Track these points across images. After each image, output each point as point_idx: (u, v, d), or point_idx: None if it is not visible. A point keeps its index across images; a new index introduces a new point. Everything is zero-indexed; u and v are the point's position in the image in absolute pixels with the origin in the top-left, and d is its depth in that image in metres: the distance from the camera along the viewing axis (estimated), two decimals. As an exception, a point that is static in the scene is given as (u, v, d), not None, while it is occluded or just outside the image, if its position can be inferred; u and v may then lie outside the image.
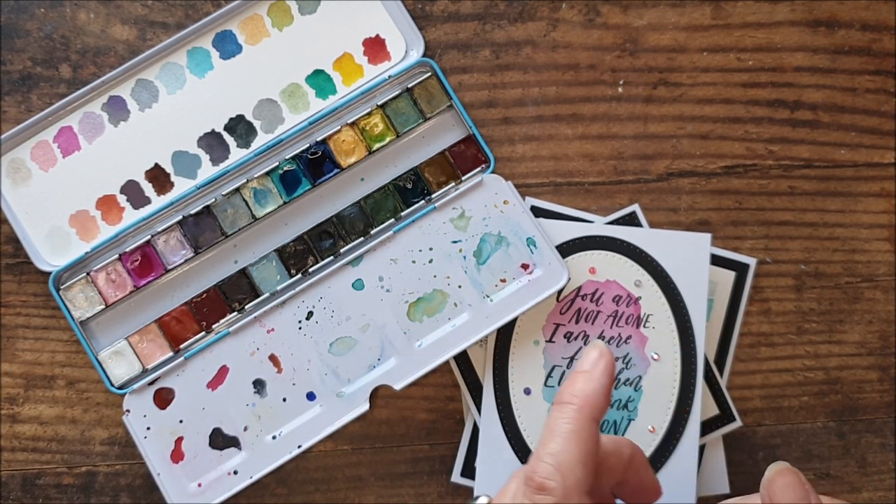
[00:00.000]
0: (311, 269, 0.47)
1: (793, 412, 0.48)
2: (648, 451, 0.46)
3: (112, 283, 0.46)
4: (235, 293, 0.47)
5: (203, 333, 0.47)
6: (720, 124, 0.48)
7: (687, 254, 0.46)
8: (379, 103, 0.47)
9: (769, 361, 0.48)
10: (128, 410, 0.46)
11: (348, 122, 0.47)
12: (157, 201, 0.47)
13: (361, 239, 0.47)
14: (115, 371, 0.46)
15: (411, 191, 0.47)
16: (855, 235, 0.48)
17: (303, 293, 0.46)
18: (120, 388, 0.46)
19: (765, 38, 0.48)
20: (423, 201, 0.47)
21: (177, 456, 0.46)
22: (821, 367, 0.48)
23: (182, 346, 0.46)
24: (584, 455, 0.31)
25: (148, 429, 0.46)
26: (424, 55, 0.47)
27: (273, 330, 0.46)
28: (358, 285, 0.46)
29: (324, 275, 0.46)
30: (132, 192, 0.47)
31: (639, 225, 0.48)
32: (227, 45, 0.47)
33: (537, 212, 0.48)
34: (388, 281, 0.46)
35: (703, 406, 0.46)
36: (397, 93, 0.47)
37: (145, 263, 0.46)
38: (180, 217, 0.47)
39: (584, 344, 0.46)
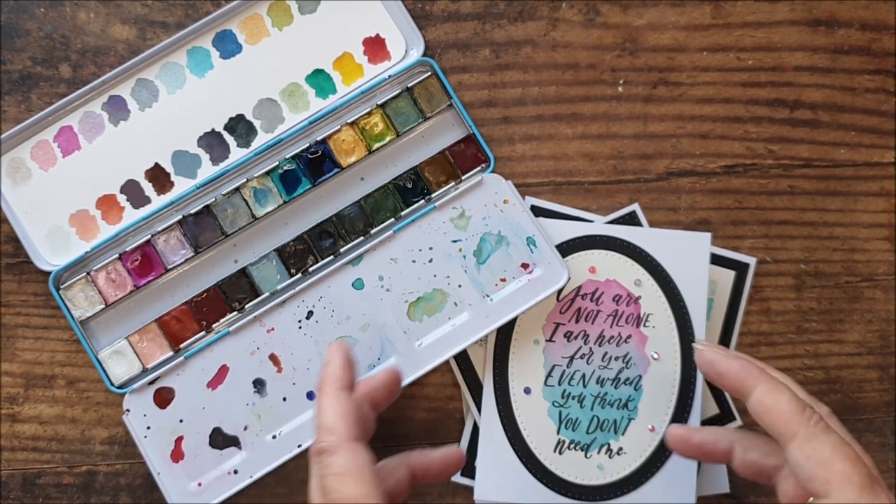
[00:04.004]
0: (311, 269, 0.47)
1: (793, 411, 0.48)
2: (648, 451, 0.46)
3: (112, 282, 0.46)
4: (235, 293, 0.47)
5: (203, 333, 0.47)
6: (720, 124, 0.48)
7: (687, 253, 0.46)
8: (379, 103, 0.47)
9: (769, 361, 0.48)
10: (128, 410, 0.46)
11: (348, 121, 0.47)
12: (157, 201, 0.47)
13: (361, 238, 0.47)
14: (115, 370, 0.46)
15: (411, 190, 0.47)
16: (855, 235, 0.48)
17: (303, 293, 0.46)
18: (120, 387, 0.46)
19: (764, 38, 0.48)
20: (422, 201, 0.47)
21: (177, 455, 0.46)
22: (820, 367, 0.48)
23: (182, 345, 0.46)
24: (341, 414, 0.37)
25: (148, 428, 0.46)
26: (424, 55, 0.47)
27: (273, 329, 0.46)
28: (358, 285, 0.46)
29: (324, 274, 0.46)
30: (132, 191, 0.47)
31: (639, 224, 0.48)
32: (227, 45, 0.47)
33: (537, 211, 0.48)
34: (388, 280, 0.46)
35: (703, 405, 0.46)
36: (397, 92, 0.47)
37: (145, 263, 0.46)
38: (180, 217, 0.47)
39: (584, 343, 0.46)
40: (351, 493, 0.35)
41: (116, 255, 0.46)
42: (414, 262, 0.46)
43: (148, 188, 0.47)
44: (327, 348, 0.41)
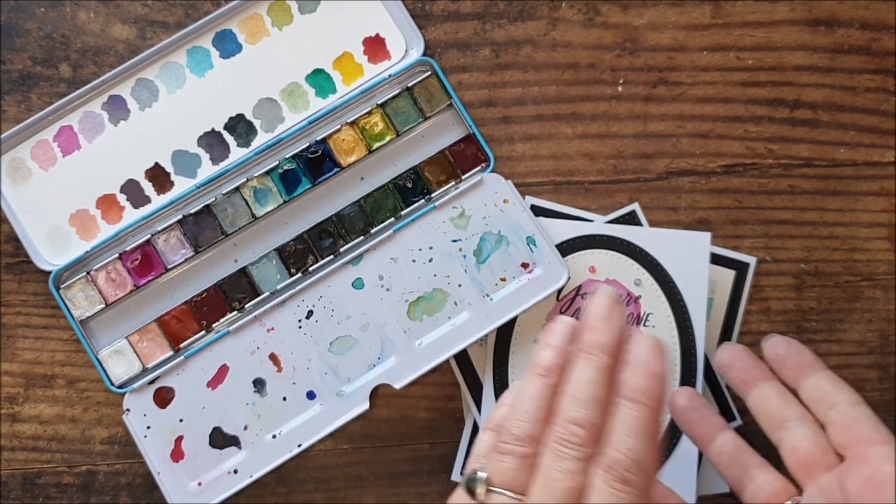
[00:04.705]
0: (311, 269, 0.47)
1: (793, 411, 0.48)
2: (648, 450, 0.46)
3: (112, 282, 0.46)
4: (235, 292, 0.47)
5: (203, 332, 0.47)
6: (720, 123, 0.48)
7: (687, 253, 0.46)
8: (379, 102, 0.47)
9: (769, 360, 0.48)
10: (128, 409, 0.46)
11: (348, 121, 0.47)
12: (157, 200, 0.47)
13: (361, 238, 0.47)
14: (115, 370, 0.46)
15: (411, 190, 0.47)
16: (854, 234, 0.48)
17: (303, 292, 0.46)
18: (120, 387, 0.46)
19: (764, 38, 0.48)
20: (422, 200, 0.47)
21: (177, 455, 0.46)
22: (821, 366, 0.48)
23: (182, 345, 0.46)
24: (657, 455, 0.32)
25: (148, 428, 0.46)
26: (424, 54, 0.47)
27: (273, 329, 0.46)
28: (358, 284, 0.46)
29: (324, 274, 0.46)
30: (132, 191, 0.47)
31: (639, 224, 0.48)
32: (227, 45, 0.47)
33: (537, 211, 0.48)
34: (388, 280, 0.46)
35: (703, 405, 0.46)
36: (397, 92, 0.47)
37: (145, 262, 0.46)
38: (180, 216, 0.47)
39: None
40: None
41: (116, 255, 0.46)
42: (414, 261, 0.46)
43: (148, 188, 0.47)
44: (642, 344, 0.33)
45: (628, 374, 0.32)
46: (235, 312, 0.47)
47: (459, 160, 0.47)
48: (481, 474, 0.32)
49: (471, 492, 0.31)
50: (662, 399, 0.32)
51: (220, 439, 0.46)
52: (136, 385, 0.46)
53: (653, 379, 0.32)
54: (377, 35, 0.47)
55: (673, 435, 0.46)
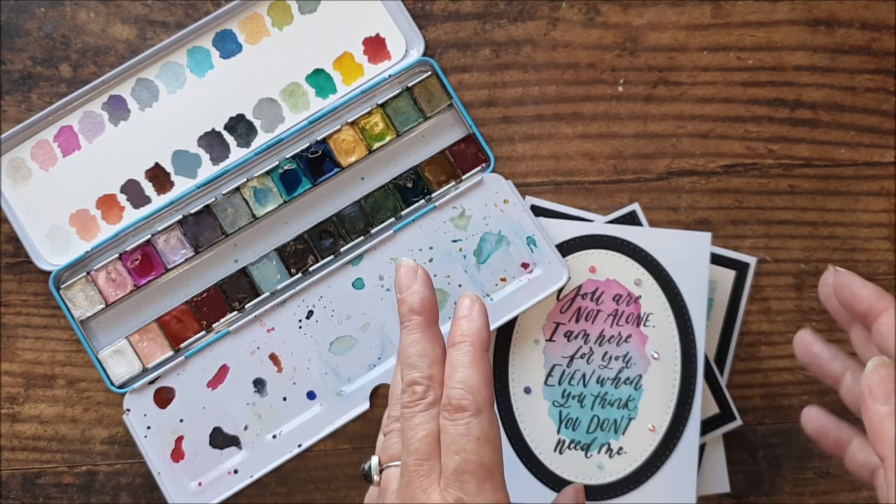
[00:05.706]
0: (311, 269, 0.47)
1: (793, 411, 0.48)
2: (649, 451, 0.46)
3: (112, 282, 0.46)
4: (236, 292, 0.47)
5: (203, 332, 0.47)
6: (720, 123, 0.48)
7: (687, 253, 0.46)
8: (379, 102, 0.47)
9: (769, 360, 0.48)
10: (128, 409, 0.46)
11: (348, 121, 0.47)
12: (158, 200, 0.47)
13: (361, 238, 0.47)
14: (116, 370, 0.46)
15: (411, 190, 0.47)
16: (855, 234, 0.48)
17: (303, 292, 0.46)
18: (120, 387, 0.46)
19: (765, 38, 0.48)
20: (423, 200, 0.47)
21: (177, 455, 0.46)
22: (821, 366, 0.48)
23: (182, 345, 0.46)
24: (485, 378, 0.35)
25: (148, 428, 0.46)
26: (424, 54, 0.47)
27: (273, 329, 0.46)
28: (358, 284, 0.46)
29: (324, 274, 0.46)
30: (132, 191, 0.47)
31: (639, 224, 0.48)
32: (228, 45, 0.47)
33: (537, 211, 0.48)
34: (389, 280, 0.46)
35: (703, 405, 0.46)
36: (397, 92, 0.47)
37: (145, 262, 0.46)
38: (180, 216, 0.47)
39: (584, 343, 0.46)
40: (488, 460, 0.33)
41: (116, 255, 0.46)
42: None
43: (148, 188, 0.47)
44: (461, 300, 0.37)
45: (452, 327, 0.36)
46: (235, 312, 0.47)
47: (459, 160, 0.47)
48: (373, 459, 0.36)
49: (368, 479, 0.36)
50: (482, 336, 0.36)
51: (221, 439, 0.46)
52: (136, 385, 0.46)
53: (462, 321, 0.36)
54: (377, 35, 0.47)
55: (674, 435, 0.46)
